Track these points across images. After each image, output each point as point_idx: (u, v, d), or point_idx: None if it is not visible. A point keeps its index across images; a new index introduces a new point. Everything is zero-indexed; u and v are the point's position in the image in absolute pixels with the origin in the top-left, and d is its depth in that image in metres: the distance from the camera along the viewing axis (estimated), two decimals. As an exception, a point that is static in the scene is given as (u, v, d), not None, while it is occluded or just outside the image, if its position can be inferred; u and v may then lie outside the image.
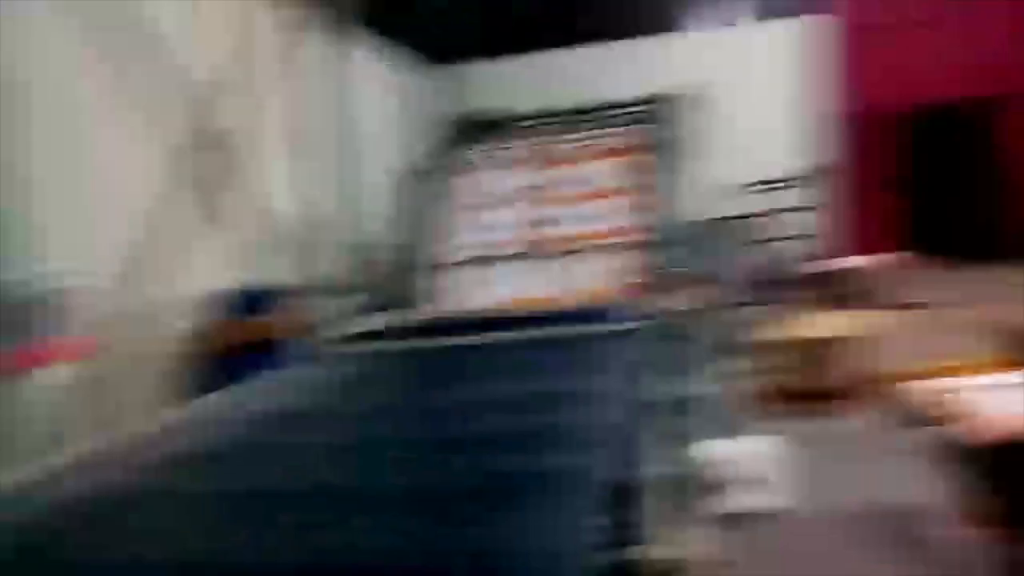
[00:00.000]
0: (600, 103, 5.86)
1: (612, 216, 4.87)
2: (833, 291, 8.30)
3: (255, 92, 5.96)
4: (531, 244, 4.88)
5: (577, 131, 5.47)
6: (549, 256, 4.81)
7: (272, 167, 6.35)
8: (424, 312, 4.60)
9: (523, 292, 4.65)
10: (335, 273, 5.84)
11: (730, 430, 4.37)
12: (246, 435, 2.61)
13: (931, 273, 9.08)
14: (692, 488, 3.87)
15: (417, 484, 1.96)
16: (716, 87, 8.44)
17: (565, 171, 5.18)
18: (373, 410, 2.85)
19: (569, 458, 1.98)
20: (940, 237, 10.18)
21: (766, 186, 10.10)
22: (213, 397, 3.11)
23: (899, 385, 3.36)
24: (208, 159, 5.51)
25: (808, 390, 5.50)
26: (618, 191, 4.97)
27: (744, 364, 6.08)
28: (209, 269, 5.58)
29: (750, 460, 4.09)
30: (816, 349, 5.69)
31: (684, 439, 3.75)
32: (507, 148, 5.49)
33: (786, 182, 10.22)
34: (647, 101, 5.70)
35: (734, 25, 10.76)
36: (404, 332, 3.98)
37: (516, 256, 4.86)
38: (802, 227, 10.35)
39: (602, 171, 5.11)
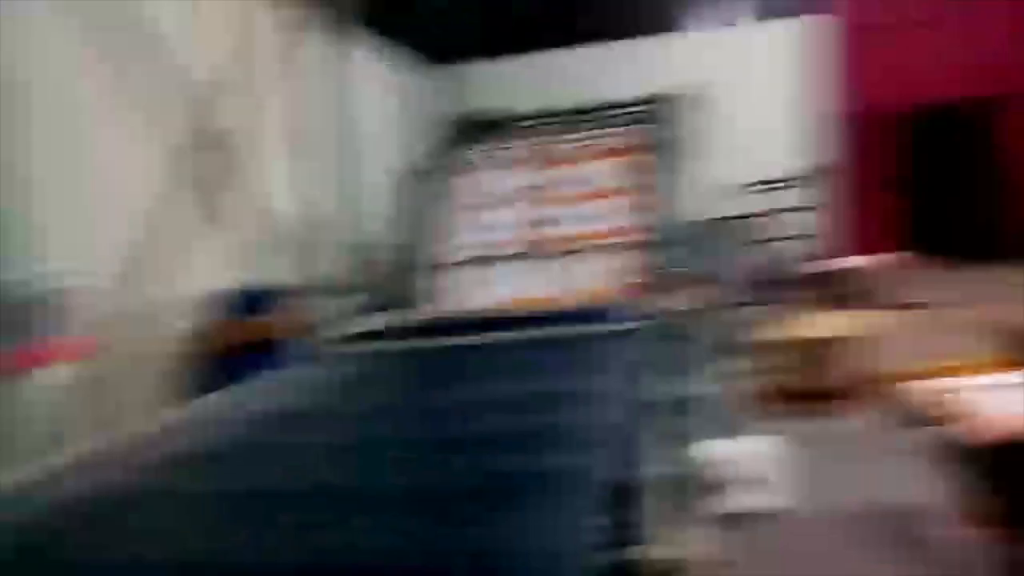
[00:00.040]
0: (600, 103, 5.86)
1: (612, 216, 4.86)
2: (833, 291, 8.31)
3: (255, 92, 5.97)
4: (531, 244, 4.88)
5: (577, 131, 5.47)
6: (549, 256, 4.81)
7: (272, 167, 6.35)
8: (424, 312, 4.60)
9: (523, 292, 4.65)
10: (335, 273, 5.84)
11: (730, 430, 4.37)
12: (246, 435, 2.61)
13: (931, 273, 9.08)
14: (692, 488, 3.87)
15: (417, 484, 1.96)
16: (716, 87, 8.44)
17: (565, 171, 5.18)
18: (373, 410, 2.85)
19: (569, 458, 1.98)
20: (940, 237, 10.18)
21: (766, 186, 10.10)
22: (213, 397, 3.11)
23: (899, 385, 3.36)
24: (208, 159, 5.51)
25: (808, 390, 5.51)
26: (618, 191, 4.97)
27: (744, 364, 6.08)
28: (209, 269, 5.58)
29: (750, 460, 4.09)
30: (816, 349, 5.69)
31: (684, 439, 3.75)
32: (507, 148, 5.49)
33: (786, 182, 10.22)
34: (647, 101, 5.70)
35: (734, 25, 10.77)
36: (404, 332, 3.98)
37: (516, 256, 4.86)
38: (802, 227, 10.35)
39: (602, 171, 5.11)
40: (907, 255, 9.38)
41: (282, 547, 1.64)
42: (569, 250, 4.79)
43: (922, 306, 7.55)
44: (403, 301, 4.65)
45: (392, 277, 4.88)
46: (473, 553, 1.51)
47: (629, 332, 3.37)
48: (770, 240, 9.80)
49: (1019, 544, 2.76)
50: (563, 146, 5.36)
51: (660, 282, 4.14)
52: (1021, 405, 2.70)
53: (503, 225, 4.99)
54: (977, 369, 3.30)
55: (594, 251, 4.74)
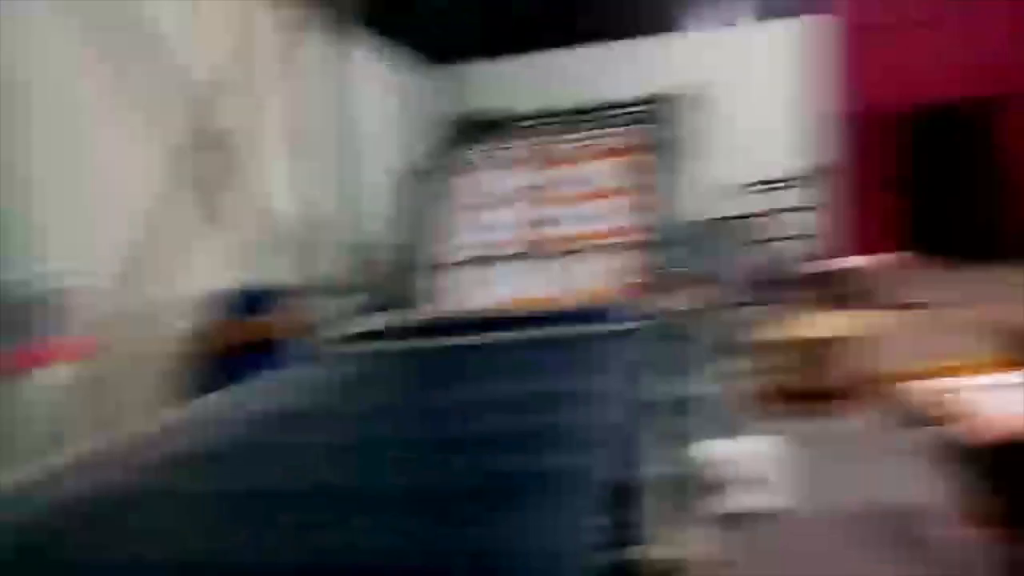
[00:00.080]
0: (600, 103, 5.86)
1: (612, 216, 4.87)
2: (833, 291, 8.31)
3: (255, 92, 5.97)
4: (531, 244, 4.88)
5: (577, 131, 5.47)
6: (549, 256, 4.81)
7: (272, 167, 6.35)
8: (424, 312, 4.61)
9: (523, 292, 4.65)
10: (335, 273, 5.84)
11: (730, 430, 4.37)
12: (246, 435, 2.61)
13: (931, 273, 9.09)
14: (692, 488, 3.87)
15: (417, 484, 1.97)
16: (716, 87, 8.44)
17: (565, 171, 5.18)
18: (373, 410, 2.85)
19: (569, 458, 1.98)
20: (940, 237, 10.19)
21: (766, 186, 10.10)
22: (213, 397, 3.11)
23: (899, 385, 3.36)
24: (208, 159, 5.51)
25: (808, 390, 5.51)
26: (618, 191, 4.97)
27: (744, 364, 6.08)
28: (209, 269, 5.58)
29: (750, 460, 4.09)
30: (816, 349, 5.70)
31: (684, 439, 3.75)
32: (507, 148, 5.49)
33: (786, 182, 10.23)
34: (647, 101, 5.70)
35: (734, 25, 10.77)
36: (404, 332, 3.98)
37: (516, 256, 4.86)
38: (802, 227, 10.35)
39: (602, 171, 5.12)
40: (907, 255, 9.38)
41: (282, 547, 1.64)
42: (569, 250, 4.79)
43: (922, 306, 7.55)
44: (403, 301, 4.65)
45: (392, 277, 4.88)
46: (473, 553, 1.51)
47: (629, 332, 3.38)
48: (770, 240, 9.81)
49: (1019, 544, 2.76)
50: (563, 146, 5.36)
51: (660, 282, 4.15)
52: (1021, 405, 2.70)
53: (503, 225, 4.99)
54: (977, 369, 3.30)
55: (594, 251, 4.74)
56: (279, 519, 1.80)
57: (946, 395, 2.99)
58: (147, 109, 5.10)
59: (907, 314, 7.29)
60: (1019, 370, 3.15)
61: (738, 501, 3.93)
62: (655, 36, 10.85)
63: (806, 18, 10.64)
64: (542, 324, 3.63)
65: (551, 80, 10.44)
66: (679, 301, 4.20)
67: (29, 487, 2.12)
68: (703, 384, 4.74)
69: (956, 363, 3.72)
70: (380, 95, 9.35)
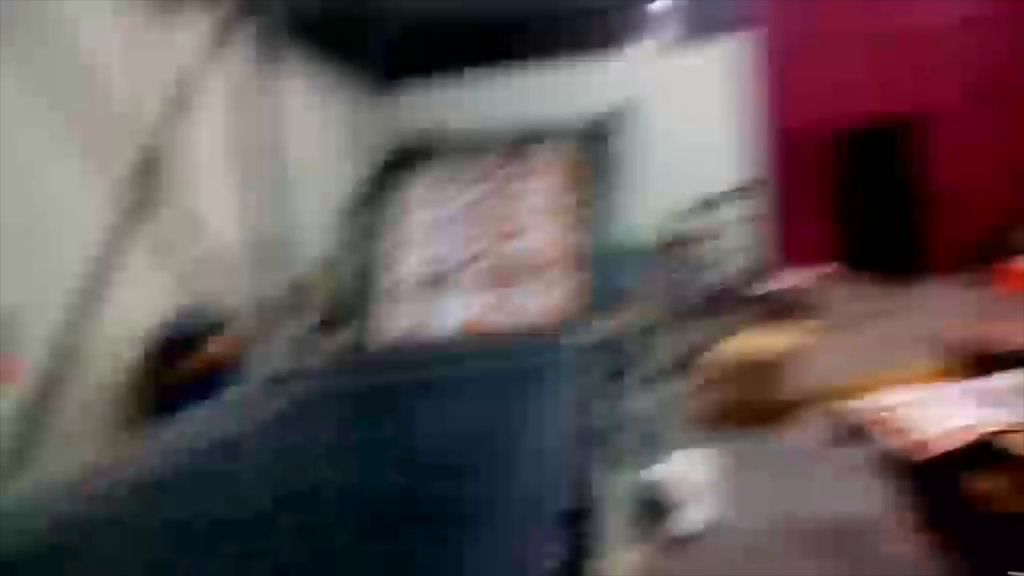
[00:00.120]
0: (540, 124, 5.89)
1: (556, 236, 4.88)
2: (771, 308, 8.43)
3: (194, 117, 5.87)
4: (477, 266, 4.87)
5: (518, 152, 5.49)
6: (494, 278, 4.81)
7: (213, 193, 6.24)
8: (370, 338, 4.57)
9: (470, 315, 4.64)
10: (278, 300, 5.76)
11: (672, 449, 4.39)
12: (188, 465, 2.55)
13: (865, 288, 9.28)
14: (636, 509, 3.88)
15: (361, 512, 1.94)
16: (653, 106, 8.56)
17: (508, 192, 5.19)
18: (317, 442, 2.81)
19: (515, 485, 1.97)
20: (870, 253, 10.42)
21: (703, 204, 10.22)
22: (156, 427, 3.05)
23: (839, 400, 3.40)
24: (148, 186, 5.40)
25: (750, 407, 5.56)
26: (561, 211, 5.00)
27: (687, 382, 6.13)
28: (151, 298, 5.45)
29: (692, 479, 4.11)
30: (757, 366, 5.76)
31: (627, 461, 3.77)
32: (450, 170, 5.49)
33: (723, 200, 10.36)
34: (586, 121, 5.75)
35: (670, 44, 10.89)
36: (347, 362, 3.95)
37: (461, 279, 4.85)
38: (739, 244, 10.49)
39: (543, 191, 5.14)
40: (842, 271, 9.58)
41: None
42: (514, 271, 4.79)
43: (858, 321, 7.69)
44: (348, 327, 4.61)
45: (337, 303, 4.83)
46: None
47: (573, 355, 3.38)
48: (708, 258, 9.91)
49: (957, 557, 2.81)
50: (505, 167, 5.38)
51: (602, 302, 4.17)
52: (958, 419, 2.75)
53: (447, 248, 4.98)
54: (914, 383, 3.36)
55: (537, 272, 4.74)
56: (222, 549, 1.77)
57: (884, 410, 3.04)
58: (86, 138, 4.99)
59: (843, 329, 7.42)
60: (955, 382, 3.22)
61: (682, 520, 3.94)
62: (592, 56, 10.94)
63: (740, 36, 10.80)
64: (484, 356, 3.63)
65: (491, 102, 10.49)
66: (621, 321, 4.22)
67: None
68: (646, 404, 4.76)
69: (893, 377, 3.78)
70: (321, 118, 9.28)
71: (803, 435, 5.05)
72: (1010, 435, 2.58)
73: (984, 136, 10.27)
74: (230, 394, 3.69)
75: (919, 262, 10.20)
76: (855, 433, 3.15)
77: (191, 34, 5.95)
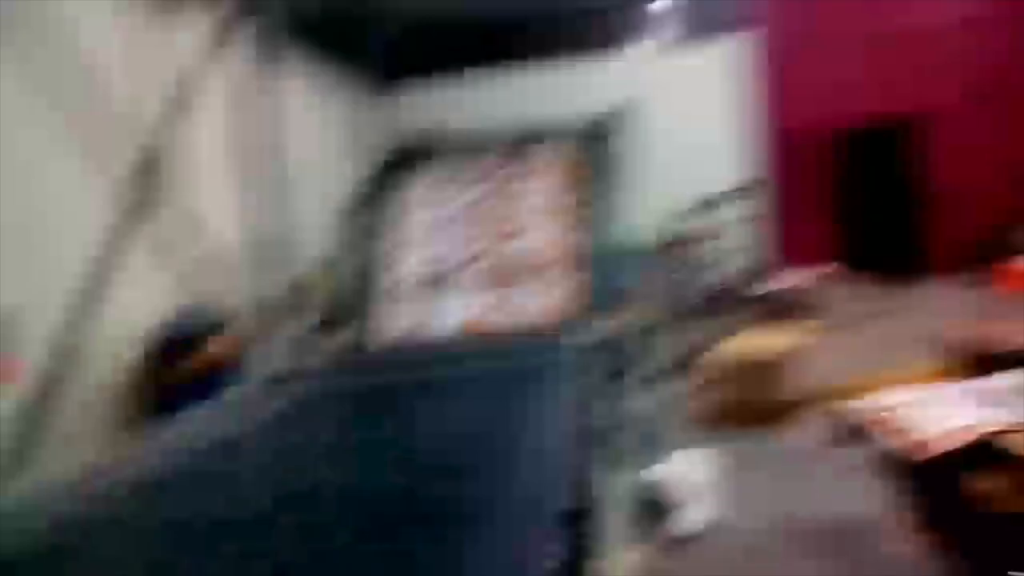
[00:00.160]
0: (540, 124, 5.89)
1: (556, 236, 4.88)
2: (771, 308, 8.42)
3: (194, 117, 5.87)
4: (477, 266, 4.87)
5: (518, 152, 5.49)
6: (494, 278, 4.80)
7: (213, 193, 6.24)
8: (370, 338, 4.56)
9: (470, 315, 4.63)
10: (278, 300, 5.75)
11: (672, 449, 4.38)
12: (188, 465, 2.55)
13: (865, 288, 9.28)
14: (636, 509, 3.88)
15: (361, 511, 1.94)
16: (653, 106, 8.56)
17: (508, 192, 5.19)
18: (317, 443, 2.81)
19: (515, 485, 1.97)
20: (872, 253, 10.41)
21: (703, 204, 10.22)
22: (156, 427, 3.05)
23: (839, 400, 3.40)
24: (148, 186, 5.40)
25: (750, 407, 5.55)
26: (561, 211, 4.99)
27: (687, 382, 6.13)
28: (151, 298, 5.45)
29: (692, 479, 4.11)
30: (757, 366, 5.75)
31: (627, 461, 3.76)
32: (450, 170, 5.49)
33: (724, 200, 10.35)
34: (586, 121, 5.74)
35: (670, 44, 10.89)
36: (347, 362, 3.94)
37: (461, 279, 4.85)
38: (741, 244, 10.48)
39: (543, 191, 5.14)
40: (843, 270, 9.57)
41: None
42: (515, 272, 4.79)
43: (859, 321, 7.69)
44: (349, 327, 4.60)
45: (338, 303, 4.83)
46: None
47: (574, 355, 3.38)
48: (709, 258, 9.91)
49: (956, 557, 2.81)
50: (506, 167, 5.38)
51: (604, 302, 4.16)
52: (959, 419, 2.75)
53: (448, 248, 4.97)
54: (914, 383, 3.36)
55: (540, 272, 4.74)
56: (222, 549, 1.77)
57: (885, 410, 3.03)
58: (86, 139, 4.99)
59: (844, 329, 7.42)
60: (955, 382, 3.22)
61: (683, 520, 3.94)
62: (593, 56, 10.93)
63: (741, 36, 10.80)
64: (485, 355, 3.63)
65: (492, 102, 10.49)
66: (623, 321, 4.22)
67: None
68: (647, 404, 4.76)
69: (894, 377, 3.78)
70: (322, 118, 9.27)
71: (803, 435, 5.05)
72: (1010, 435, 2.57)
73: (984, 136, 10.26)
74: (230, 394, 3.69)
75: (919, 262, 10.20)
76: (855, 433, 3.15)
77: (191, 34, 5.93)
